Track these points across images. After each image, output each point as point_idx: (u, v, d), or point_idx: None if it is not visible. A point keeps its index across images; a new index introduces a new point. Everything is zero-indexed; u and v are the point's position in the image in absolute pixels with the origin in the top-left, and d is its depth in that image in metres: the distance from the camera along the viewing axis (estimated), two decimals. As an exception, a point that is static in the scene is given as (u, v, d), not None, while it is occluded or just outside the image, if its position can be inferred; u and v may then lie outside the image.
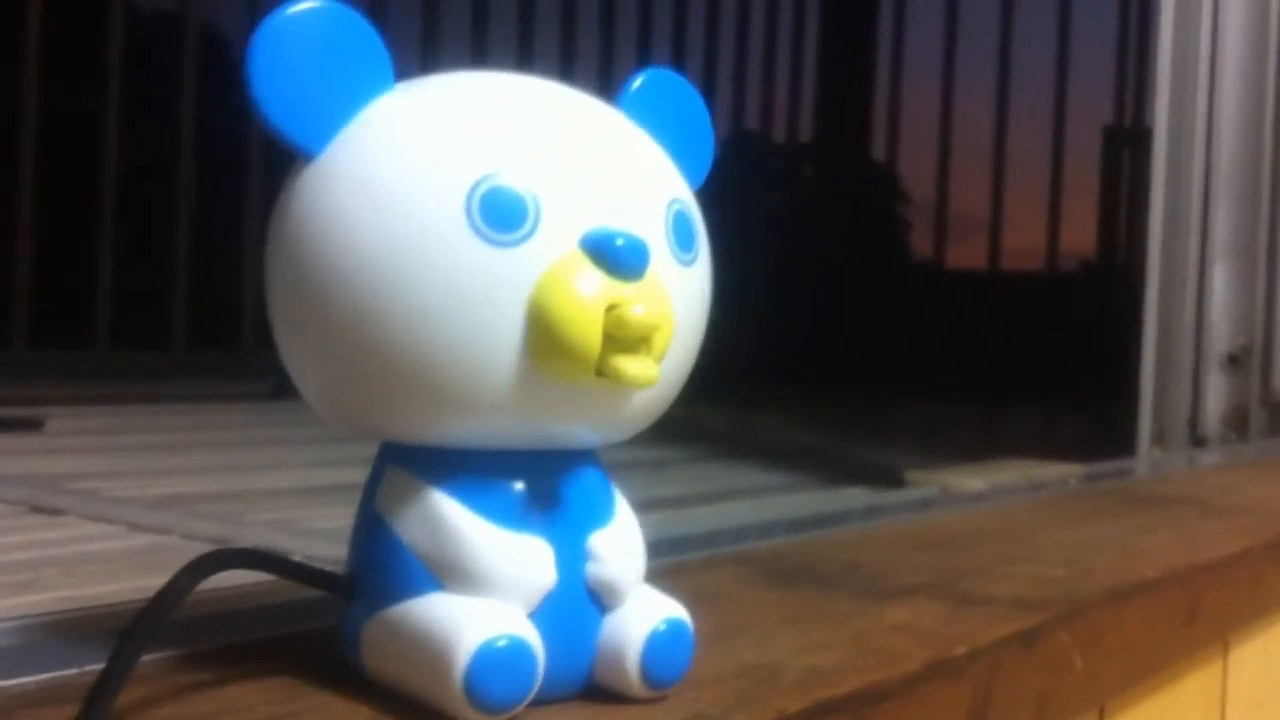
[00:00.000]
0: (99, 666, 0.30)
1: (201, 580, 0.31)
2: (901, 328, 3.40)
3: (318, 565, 0.36)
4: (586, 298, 0.31)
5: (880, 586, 0.54)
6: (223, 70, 2.68)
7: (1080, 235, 3.67)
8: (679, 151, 0.37)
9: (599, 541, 0.35)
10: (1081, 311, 2.99)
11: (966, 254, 3.86)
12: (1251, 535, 0.74)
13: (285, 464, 1.28)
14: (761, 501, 1.17)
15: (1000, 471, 1.08)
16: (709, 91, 3.86)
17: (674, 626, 0.35)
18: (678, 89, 0.38)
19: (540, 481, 0.34)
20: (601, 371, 0.32)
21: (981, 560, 0.62)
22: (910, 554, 0.64)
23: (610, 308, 0.31)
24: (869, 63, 3.94)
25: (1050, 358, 3.01)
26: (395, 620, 0.33)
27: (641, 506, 0.37)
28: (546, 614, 0.33)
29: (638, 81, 0.37)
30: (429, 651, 0.32)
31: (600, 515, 0.35)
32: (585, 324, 0.31)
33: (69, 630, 0.40)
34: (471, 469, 0.34)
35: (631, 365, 0.31)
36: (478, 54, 3.24)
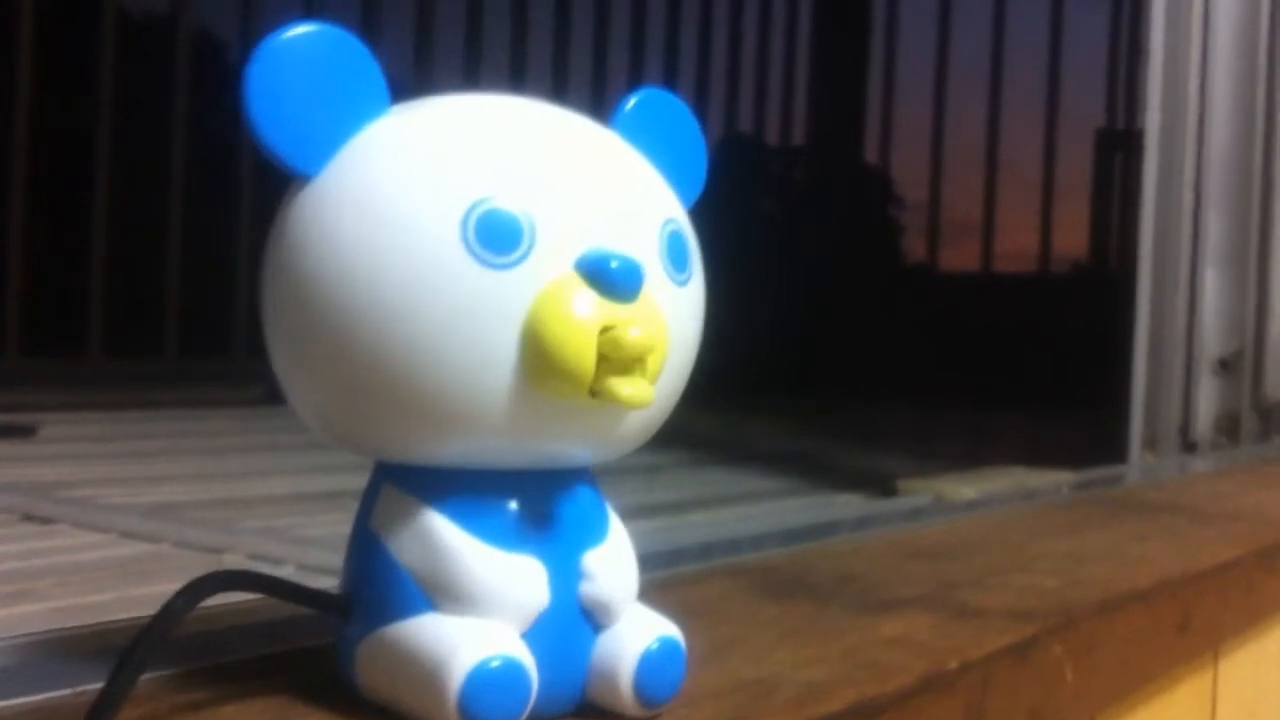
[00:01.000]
0: (95, 686, 0.31)
1: (200, 602, 0.31)
2: (894, 331, 3.41)
3: (314, 578, 0.37)
4: (581, 319, 0.31)
5: (874, 598, 0.54)
6: (215, 74, 2.68)
7: (1072, 238, 3.68)
8: (672, 171, 0.37)
9: (592, 560, 0.35)
10: (1073, 315, 2.99)
11: (959, 257, 3.87)
12: (1243, 543, 0.75)
13: (277, 471, 1.28)
14: (754, 509, 1.17)
15: (992, 479, 1.09)
16: (702, 94, 3.87)
17: (666, 645, 0.35)
18: (671, 109, 0.39)
19: (534, 500, 0.35)
20: (596, 392, 0.32)
21: (974, 570, 0.62)
22: (903, 564, 0.64)
23: (605, 329, 0.31)
24: (862, 65, 3.94)
25: (1042, 362, 3.02)
26: (390, 640, 0.33)
27: (635, 512, 0.37)
28: (540, 633, 0.33)
29: (631, 102, 0.38)
30: (423, 671, 0.32)
31: (594, 534, 0.35)
32: (580, 345, 0.31)
33: (64, 649, 0.41)
34: (466, 488, 0.34)
35: (626, 387, 0.32)
36: (471, 45, 3.23)
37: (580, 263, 0.32)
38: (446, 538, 0.33)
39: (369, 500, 0.35)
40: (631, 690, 0.34)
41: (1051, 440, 1.79)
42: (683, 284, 0.35)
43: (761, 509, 1.17)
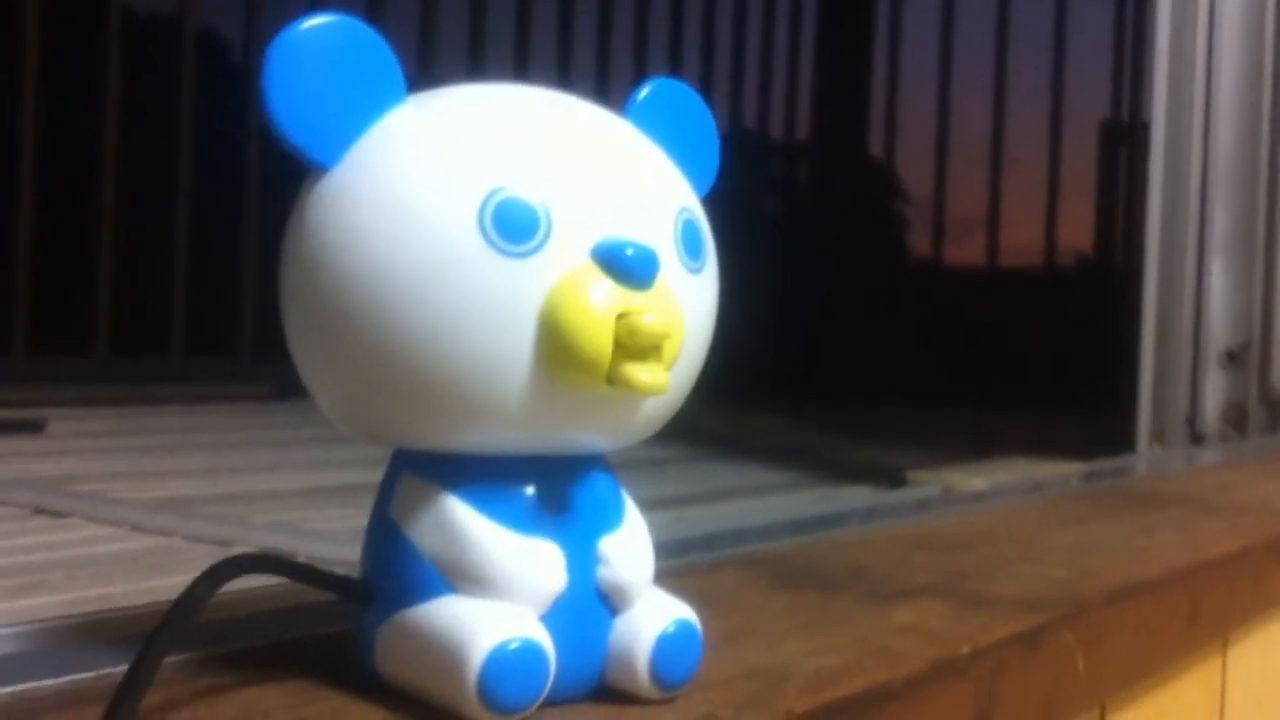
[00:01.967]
0: (116, 670, 0.31)
1: (223, 585, 0.32)
2: (898, 326, 3.41)
3: (329, 569, 0.37)
4: (598, 307, 0.32)
5: (885, 588, 0.55)
6: (221, 74, 2.68)
7: (1078, 232, 3.67)
8: (686, 160, 0.38)
9: (609, 545, 0.35)
10: (1080, 308, 2.99)
11: (964, 251, 3.87)
12: (1251, 534, 0.75)
13: (286, 465, 1.28)
14: (763, 501, 1.18)
15: (1001, 471, 1.09)
16: (706, 90, 3.86)
17: (683, 628, 0.35)
18: (684, 98, 0.39)
19: (551, 486, 0.35)
20: (613, 380, 0.32)
21: (984, 561, 0.62)
22: (913, 555, 0.64)
23: (621, 316, 0.32)
24: (866, 60, 3.94)
25: (1049, 355, 3.01)
26: (410, 624, 0.34)
27: (644, 506, 0.37)
28: (558, 617, 0.34)
29: (644, 91, 0.38)
30: (443, 654, 0.32)
31: (610, 519, 0.36)
32: (597, 333, 0.32)
33: (84, 634, 0.41)
34: (484, 475, 0.34)
35: (643, 373, 0.32)
36: (475, 39, 3.23)
37: (596, 251, 0.32)
38: (466, 522, 0.34)
39: (387, 488, 0.36)
40: (648, 673, 0.35)
41: (1059, 432, 1.79)
42: (697, 272, 0.35)
43: (770, 502, 1.17)
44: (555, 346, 0.32)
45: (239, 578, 0.33)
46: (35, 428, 1.48)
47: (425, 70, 2.97)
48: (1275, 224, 1.51)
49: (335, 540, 0.84)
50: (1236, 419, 1.46)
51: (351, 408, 0.35)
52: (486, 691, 0.32)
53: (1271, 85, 1.50)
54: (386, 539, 0.35)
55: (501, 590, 0.33)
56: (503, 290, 0.32)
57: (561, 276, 0.32)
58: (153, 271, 2.56)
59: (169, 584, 0.31)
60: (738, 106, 4.01)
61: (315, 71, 0.33)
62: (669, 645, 0.35)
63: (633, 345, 0.32)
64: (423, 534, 0.34)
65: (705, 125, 0.40)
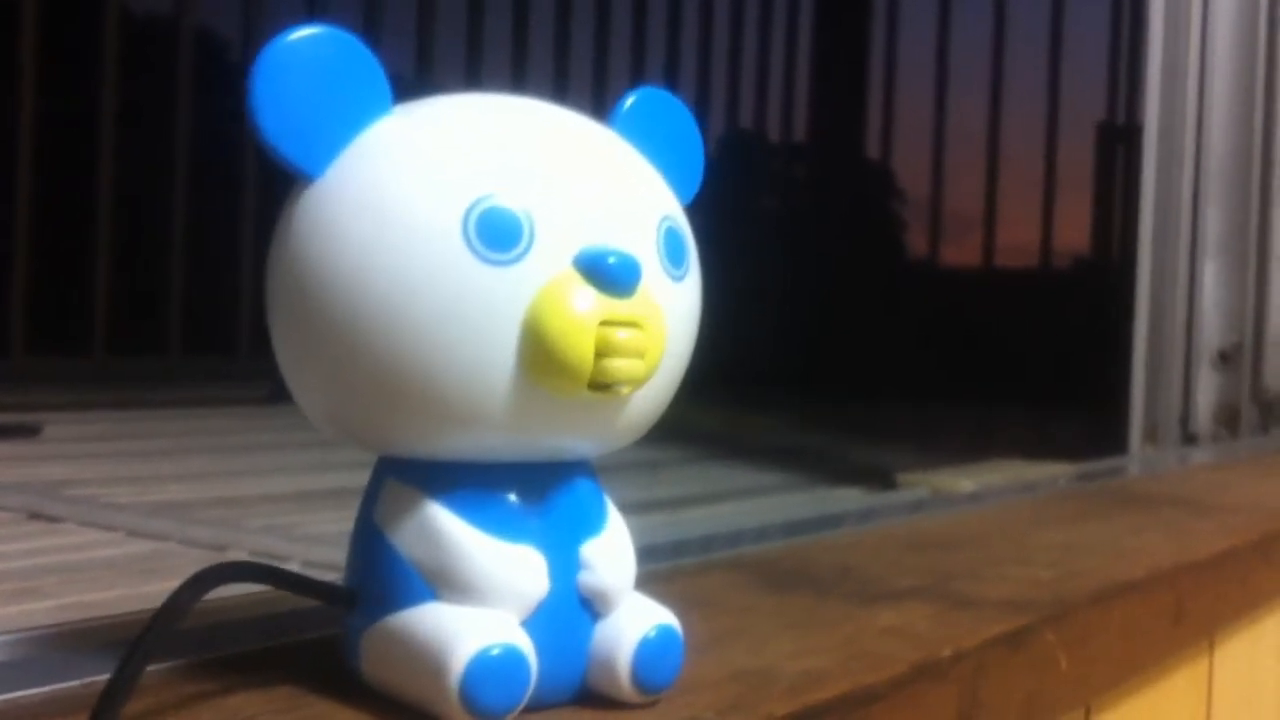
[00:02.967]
0: (102, 678, 0.31)
1: (206, 593, 0.32)
2: (895, 325, 3.41)
3: (318, 575, 0.37)
4: (580, 315, 0.32)
5: (872, 590, 0.55)
6: (218, 74, 2.68)
7: (1074, 232, 3.68)
8: (670, 168, 0.38)
9: (591, 550, 0.35)
10: (1074, 309, 2.99)
11: (961, 252, 3.87)
12: (1239, 534, 0.75)
13: (282, 469, 1.28)
14: (755, 503, 1.18)
15: (991, 472, 1.09)
16: (703, 91, 3.87)
17: (664, 633, 0.36)
18: (669, 107, 0.39)
19: (533, 492, 0.35)
20: (595, 384, 0.32)
21: (972, 562, 0.63)
22: (902, 557, 0.65)
23: (603, 323, 0.32)
24: (863, 61, 3.94)
25: (1047, 354, 3.02)
26: (393, 629, 0.34)
27: (636, 508, 0.38)
28: (540, 622, 0.34)
29: (629, 101, 0.38)
30: (426, 660, 0.33)
31: (592, 524, 0.36)
32: (579, 340, 0.32)
33: (71, 642, 0.41)
34: (467, 481, 0.35)
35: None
36: (473, 41, 3.23)
37: (578, 259, 0.33)
38: (448, 529, 0.34)
39: (372, 494, 0.36)
40: (630, 677, 0.35)
41: (1051, 432, 1.80)
42: (679, 279, 0.36)
43: (761, 504, 1.18)
44: (538, 353, 0.32)
45: (224, 585, 0.33)
46: (31, 432, 1.48)
47: (422, 78, 2.97)
48: (1268, 225, 1.52)
49: (330, 543, 0.84)
50: (1229, 419, 1.46)
51: (336, 414, 0.35)
52: (469, 697, 0.32)
53: (1264, 87, 1.50)
54: (370, 545, 0.35)
55: (484, 596, 0.33)
56: (486, 297, 0.32)
57: (544, 284, 0.32)
58: (150, 273, 2.56)
59: (164, 589, 0.31)
60: (734, 108, 4.02)
61: (302, 82, 0.33)
62: (650, 650, 0.35)
63: (614, 353, 0.32)
64: (406, 540, 0.34)
65: (690, 134, 0.40)
